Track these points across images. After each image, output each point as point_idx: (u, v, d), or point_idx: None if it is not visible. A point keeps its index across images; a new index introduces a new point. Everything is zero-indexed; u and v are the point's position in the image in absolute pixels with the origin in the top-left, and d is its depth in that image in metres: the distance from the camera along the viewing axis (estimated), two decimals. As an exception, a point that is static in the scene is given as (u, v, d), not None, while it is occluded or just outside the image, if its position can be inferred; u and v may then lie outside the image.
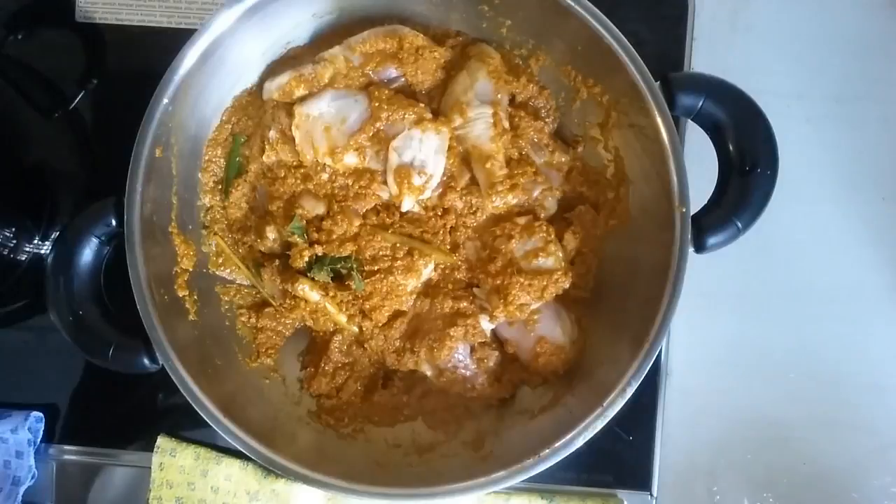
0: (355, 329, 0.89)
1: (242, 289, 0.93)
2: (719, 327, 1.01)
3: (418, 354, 0.87)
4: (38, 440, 0.98)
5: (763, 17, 1.03)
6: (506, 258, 0.87)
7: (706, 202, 0.82)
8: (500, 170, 0.87)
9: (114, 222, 0.81)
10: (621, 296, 0.87)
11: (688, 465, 1.00)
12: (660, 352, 0.83)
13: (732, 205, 0.80)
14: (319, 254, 0.86)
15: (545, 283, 0.85)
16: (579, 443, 0.79)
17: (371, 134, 0.86)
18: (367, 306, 0.87)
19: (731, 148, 0.81)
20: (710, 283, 0.98)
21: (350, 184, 0.87)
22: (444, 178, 0.88)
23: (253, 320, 0.92)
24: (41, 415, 0.98)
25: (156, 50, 0.90)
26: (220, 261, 0.92)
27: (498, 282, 0.86)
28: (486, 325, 0.88)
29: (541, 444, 0.79)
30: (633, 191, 0.87)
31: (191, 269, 0.88)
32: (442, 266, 0.90)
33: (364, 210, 0.88)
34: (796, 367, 1.00)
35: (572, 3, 0.79)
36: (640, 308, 0.81)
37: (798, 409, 1.00)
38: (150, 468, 0.97)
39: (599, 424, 0.79)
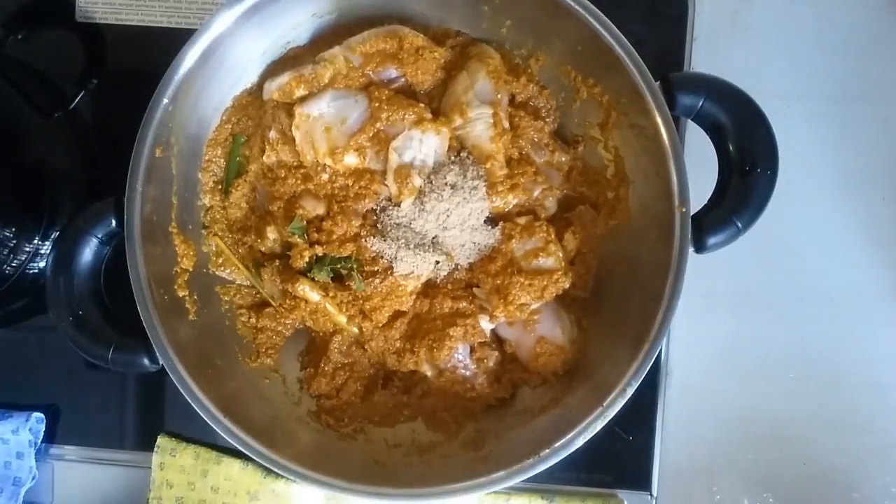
0: (355, 330, 0.89)
1: (242, 289, 0.93)
2: (719, 327, 1.01)
3: (418, 355, 0.87)
4: (39, 441, 0.98)
5: (763, 17, 1.03)
6: (506, 258, 0.87)
7: (706, 202, 0.82)
8: (501, 170, 0.87)
9: (114, 222, 0.81)
10: (621, 296, 0.87)
11: (688, 465, 1.00)
12: (660, 352, 0.83)
13: (732, 205, 0.80)
14: (320, 254, 0.86)
15: (545, 283, 0.85)
16: (579, 443, 0.79)
17: (371, 134, 0.86)
18: (367, 307, 0.87)
19: (731, 148, 0.81)
20: (710, 283, 0.98)
21: (350, 184, 0.87)
22: (444, 178, 0.88)
23: (253, 320, 0.92)
24: (42, 416, 0.98)
25: (156, 50, 0.90)
26: (220, 261, 0.92)
27: (498, 282, 0.86)
28: (485, 325, 0.88)
29: (541, 444, 0.79)
30: (633, 191, 0.87)
31: (191, 269, 0.88)
32: (442, 266, 0.90)
33: (364, 210, 0.88)
34: (796, 367, 1.00)
35: (572, 3, 0.79)
36: (640, 308, 0.81)
37: (798, 408, 1.00)
38: (150, 468, 0.97)
39: (599, 424, 0.79)
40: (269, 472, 0.96)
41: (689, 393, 1.00)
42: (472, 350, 0.90)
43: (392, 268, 0.86)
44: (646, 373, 0.78)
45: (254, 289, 0.93)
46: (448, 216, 0.85)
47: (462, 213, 0.85)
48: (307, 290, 0.86)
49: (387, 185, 0.87)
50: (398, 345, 0.89)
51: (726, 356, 1.01)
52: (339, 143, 0.86)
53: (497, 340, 0.92)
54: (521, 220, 0.88)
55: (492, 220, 0.89)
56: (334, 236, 0.86)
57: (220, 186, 0.92)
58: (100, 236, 0.81)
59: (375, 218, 0.88)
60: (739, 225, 0.79)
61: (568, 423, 0.80)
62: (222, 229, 0.92)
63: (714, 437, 1.00)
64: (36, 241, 0.94)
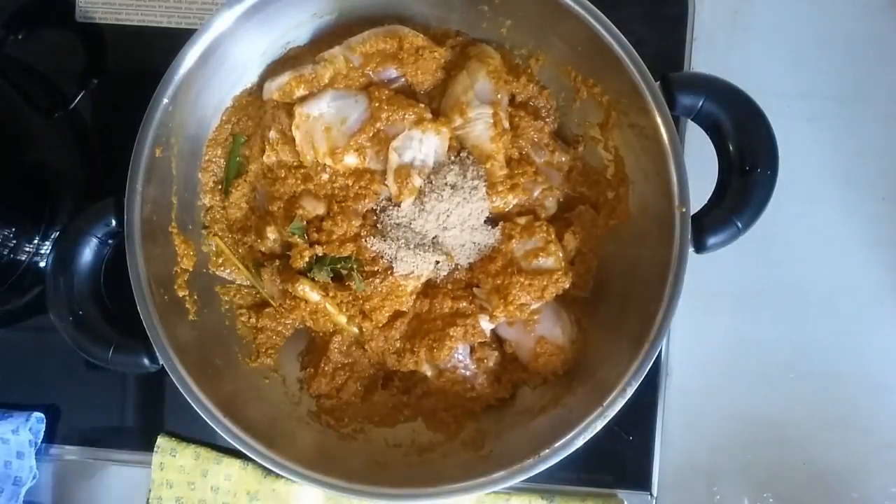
0: (355, 330, 0.89)
1: (242, 289, 0.93)
2: (719, 327, 1.01)
3: (418, 355, 0.87)
4: (39, 441, 0.98)
5: (763, 17, 1.03)
6: (506, 258, 0.87)
7: (706, 202, 0.82)
8: (501, 170, 0.87)
9: (114, 222, 0.81)
10: (621, 296, 0.87)
11: (688, 465, 1.00)
12: (660, 352, 0.83)
13: (732, 205, 0.80)
14: (320, 254, 0.86)
15: (545, 283, 0.85)
16: (579, 443, 0.79)
17: (371, 134, 0.86)
18: (368, 307, 0.87)
19: (731, 148, 0.81)
20: (710, 283, 0.98)
21: (350, 184, 0.87)
22: (444, 178, 0.88)
23: (253, 320, 0.92)
24: (42, 415, 0.98)
25: (156, 50, 0.90)
26: (220, 261, 0.92)
27: (498, 282, 0.86)
28: (485, 325, 0.88)
29: (541, 444, 0.79)
30: (633, 191, 0.87)
31: (191, 269, 0.88)
32: (442, 266, 0.90)
33: (364, 210, 0.88)
34: (796, 367, 1.00)
35: (572, 3, 0.79)
36: (640, 308, 0.81)
37: (798, 409, 1.00)
38: (150, 468, 0.97)
39: (599, 424, 0.79)
40: (269, 472, 0.96)
41: (689, 393, 1.00)
42: (472, 350, 0.90)
43: (392, 268, 0.86)
44: (646, 373, 0.78)
45: (254, 289, 0.93)
46: (448, 216, 0.85)
47: (462, 213, 0.85)
48: (307, 290, 0.86)
49: (387, 185, 0.87)
50: (398, 345, 0.89)
51: (726, 356, 1.01)
52: (339, 143, 0.86)
53: (497, 340, 0.92)
54: (521, 220, 0.88)
55: (492, 220, 0.89)
56: (334, 236, 0.86)
57: (220, 186, 0.92)
58: (100, 236, 0.81)
59: (375, 218, 0.88)
60: (739, 225, 0.79)
61: (568, 423, 0.80)
62: (222, 229, 0.92)
63: (714, 437, 1.00)
64: (36, 241, 0.94)
